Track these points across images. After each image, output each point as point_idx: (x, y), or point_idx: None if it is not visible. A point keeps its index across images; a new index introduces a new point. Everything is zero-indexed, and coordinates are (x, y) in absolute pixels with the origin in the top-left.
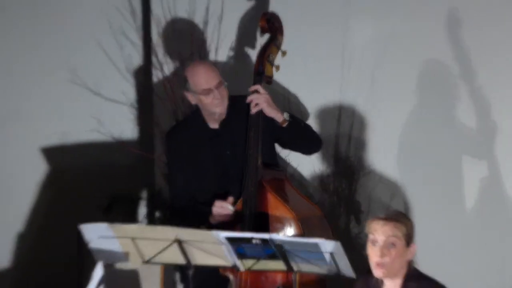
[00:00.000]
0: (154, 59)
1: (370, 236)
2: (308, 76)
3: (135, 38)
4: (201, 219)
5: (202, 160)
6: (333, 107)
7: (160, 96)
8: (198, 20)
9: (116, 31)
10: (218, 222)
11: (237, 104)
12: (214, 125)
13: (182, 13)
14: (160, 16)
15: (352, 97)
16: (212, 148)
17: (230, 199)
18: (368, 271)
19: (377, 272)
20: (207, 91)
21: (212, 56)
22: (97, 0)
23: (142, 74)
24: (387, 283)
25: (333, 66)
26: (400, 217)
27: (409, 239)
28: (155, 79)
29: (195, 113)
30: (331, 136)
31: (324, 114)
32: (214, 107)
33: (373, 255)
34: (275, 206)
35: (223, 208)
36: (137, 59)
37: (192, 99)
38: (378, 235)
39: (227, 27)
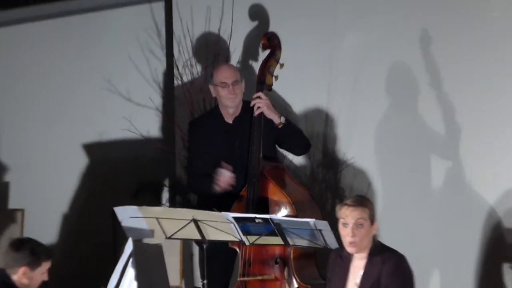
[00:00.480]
0: (175, 71)
1: (341, 220)
2: (301, 83)
3: (160, 54)
4: (210, 188)
5: (216, 147)
6: (321, 109)
7: (180, 101)
8: (211, 39)
9: (144, 48)
10: (221, 189)
11: (248, 107)
12: (228, 120)
13: (198, 34)
14: (180, 36)
15: (337, 100)
16: (225, 138)
17: (230, 167)
18: (340, 246)
19: (350, 249)
20: (224, 84)
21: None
22: (129, 23)
23: (165, 84)
24: (356, 255)
25: (321, 74)
26: (364, 202)
27: (372, 218)
28: (176, 87)
29: (215, 109)
30: (320, 134)
31: (314, 115)
32: (227, 100)
33: (345, 235)
34: (273, 192)
35: (225, 176)
36: (161, 71)
37: (213, 91)
38: (349, 219)
39: (235, 44)
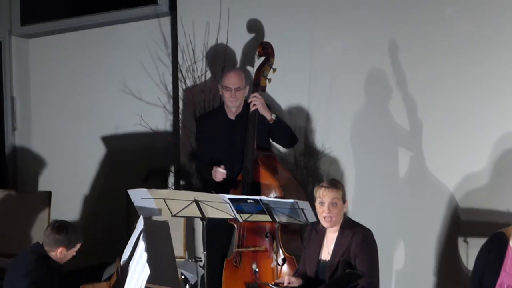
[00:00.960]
0: (179, 75)
1: (319, 200)
2: (285, 85)
3: (166, 61)
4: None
5: (220, 140)
6: (303, 107)
7: (183, 101)
8: (210, 49)
9: (154, 56)
10: (217, 180)
11: (249, 106)
12: (231, 116)
13: (199, 44)
14: (184, 46)
15: (317, 98)
16: (228, 132)
17: (222, 166)
18: (318, 221)
19: (325, 224)
20: (228, 88)
21: (220, 73)
22: (141, 35)
23: (172, 86)
24: (329, 229)
25: (302, 78)
26: (338, 184)
27: (344, 198)
28: (180, 89)
29: (220, 106)
30: (301, 127)
31: (297, 112)
32: (228, 102)
33: (322, 212)
34: (265, 177)
35: (218, 172)
36: (168, 75)
37: (220, 90)
38: (325, 198)
39: (232, 52)
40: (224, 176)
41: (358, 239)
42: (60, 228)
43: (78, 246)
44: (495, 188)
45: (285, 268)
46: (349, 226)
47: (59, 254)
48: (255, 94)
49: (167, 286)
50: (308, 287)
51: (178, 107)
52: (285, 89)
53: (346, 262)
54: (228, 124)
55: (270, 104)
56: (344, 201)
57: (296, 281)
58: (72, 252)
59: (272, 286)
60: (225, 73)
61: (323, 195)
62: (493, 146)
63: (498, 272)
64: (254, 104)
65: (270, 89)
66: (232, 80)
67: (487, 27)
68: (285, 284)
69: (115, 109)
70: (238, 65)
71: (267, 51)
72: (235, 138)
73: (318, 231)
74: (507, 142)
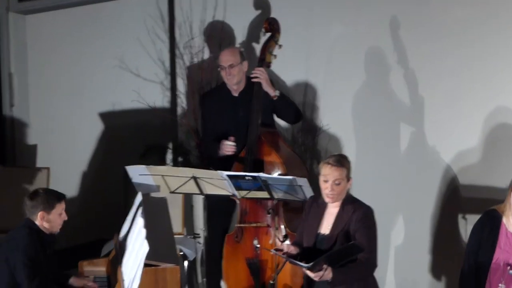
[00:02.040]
0: (176, 52)
1: (322, 177)
2: (283, 62)
3: (163, 37)
4: (215, 153)
5: (224, 116)
6: (301, 84)
7: (180, 77)
8: (206, 24)
9: (151, 32)
10: (226, 154)
11: (252, 82)
12: (234, 93)
13: (196, 20)
14: (181, 22)
15: (314, 76)
16: (232, 109)
17: (231, 138)
18: (319, 194)
19: (327, 200)
20: (221, 67)
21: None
22: (137, 10)
23: (169, 62)
24: (331, 204)
25: (299, 53)
26: (344, 162)
27: (348, 176)
28: (177, 66)
29: (223, 83)
30: (299, 104)
31: (295, 88)
32: (226, 80)
33: (325, 188)
34: (268, 153)
35: (227, 146)
36: (165, 52)
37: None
38: (329, 177)
39: (230, 28)
40: (234, 149)
41: (359, 215)
42: (34, 194)
43: (59, 207)
44: (495, 165)
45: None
46: (350, 202)
47: (41, 219)
48: (259, 68)
49: (166, 262)
50: (305, 257)
51: (176, 83)
52: (282, 66)
53: (345, 237)
54: (232, 101)
55: (274, 81)
56: (348, 179)
57: (294, 250)
58: (57, 215)
59: (274, 251)
60: (220, 52)
61: (327, 173)
62: (493, 123)
63: (492, 249)
64: (257, 77)
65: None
66: (224, 58)
67: (483, 10)
68: (285, 251)
69: (113, 86)
70: (237, 41)
71: (273, 27)
72: (239, 115)
73: (319, 204)
74: (508, 118)
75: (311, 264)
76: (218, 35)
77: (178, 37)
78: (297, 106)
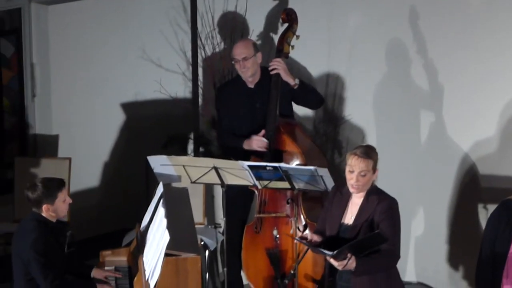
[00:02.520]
0: (199, 42)
1: (348, 167)
2: (305, 52)
3: (186, 27)
4: (237, 146)
5: (240, 109)
6: (322, 74)
7: (202, 67)
8: (229, 15)
9: (173, 23)
10: (250, 149)
11: (267, 73)
12: (250, 85)
13: (218, 11)
14: (203, 13)
15: (336, 67)
16: (248, 101)
17: (263, 131)
18: (343, 183)
19: (352, 190)
20: (235, 60)
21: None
22: (159, 1)
23: (190, 52)
24: (355, 194)
25: (321, 44)
26: (371, 154)
27: (374, 168)
28: (199, 56)
29: (239, 76)
30: (321, 93)
31: (317, 79)
32: (240, 73)
33: (350, 179)
34: (287, 144)
35: (261, 141)
36: (187, 42)
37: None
38: (355, 168)
39: (249, 18)
40: (266, 145)
41: (384, 207)
42: (34, 186)
43: (61, 195)
44: None
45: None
46: (375, 193)
47: (47, 211)
48: (277, 59)
49: (187, 252)
50: (328, 246)
51: (197, 74)
52: (304, 57)
53: (369, 227)
54: (248, 92)
55: (295, 69)
56: (374, 171)
57: (318, 238)
58: (61, 202)
59: (298, 239)
60: (233, 47)
61: (354, 164)
62: (511, 113)
63: (510, 239)
64: (275, 68)
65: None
66: (237, 51)
67: (504, 1)
68: (309, 239)
69: (135, 76)
70: (259, 32)
71: (291, 18)
72: (255, 107)
73: (342, 193)
74: None
75: (335, 252)
76: (239, 25)
77: (200, 27)
78: (317, 91)
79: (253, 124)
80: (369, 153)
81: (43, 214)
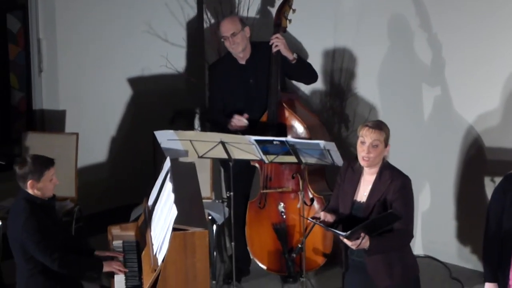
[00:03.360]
0: (204, 16)
1: (360, 138)
2: (312, 26)
3: (191, 1)
4: (223, 125)
5: (233, 85)
6: (329, 48)
7: (208, 42)
8: None
9: None
10: (233, 129)
11: (259, 48)
12: (241, 61)
13: None
14: None
15: (342, 40)
16: (240, 77)
17: (246, 115)
18: (354, 158)
19: (363, 163)
20: (224, 38)
21: (244, 14)
22: None
23: (196, 27)
24: (367, 170)
25: (328, 19)
26: (382, 126)
27: (387, 141)
28: (205, 30)
29: (229, 53)
30: (327, 68)
31: (323, 53)
32: (231, 49)
33: (361, 151)
34: (290, 118)
35: (239, 121)
36: (192, 16)
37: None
38: (367, 138)
39: None
40: (244, 127)
41: (397, 185)
42: (23, 161)
43: (48, 174)
44: None
45: (315, 207)
46: (387, 171)
47: (32, 187)
48: (277, 35)
49: (194, 226)
50: (341, 224)
51: (203, 48)
52: (310, 30)
53: (383, 206)
54: (240, 68)
55: (292, 44)
56: (386, 144)
57: (331, 218)
58: (47, 181)
59: (311, 219)
60: (220, 24)
61: (365, 135)
62: None
63: None
64: (276, 45)
65: (295, 29)
66: (224, 28)
67: None
68: (322, 219)
69: (141, 51)
70: (262, 5)
71: None
72: (249, 83)
73: (354, 170)
74: None
75: (348, 232)
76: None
77: (206, 1)
78: (312, 66)
79: (247, 100)
80: (380, 125)
81: (29, 191)
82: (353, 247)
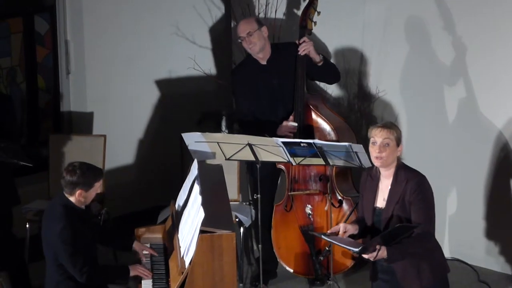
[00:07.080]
0: (232, 18)
1: (371, 139)
2: (340, 28)
3: (219, 3)
4: (267, 132)
5: (257, 87)
6: (357, 49)
7: (236, 44)
8: None
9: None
10: (284, 135)
11: (280, 48)
12: (263, 62)
13: None
14: None
15: (370, 42)
16: (263, 79)
17: (291, 117)
18: (372, 167)
19: (376, 163)
20: (241, 38)
21: (272, 15)
22: None
23: (224, 29)
24: (383, 172)
25: (356, 19)
26: (392, 126)
27: (398, 141)
28: (232, 32)
29: (249, 55)
30: (355, 70)
31: (351, 54)
32: (249, 50)
33: (373, 151)
34: (317, 120)
35: (286, 126)
36: (220, 18)
37: None
38: (377, 137)
39: None
40: (294, 130)
41: (413, 186)
42: (74, 169)
43: (97, 185)
44: None
45: (344, 208)
46: (403, 172)
47: (78, 196)
48: (305, 38)
49: (222, 229)
50: (366, 234)
51: (231, 50)
52: (338, 31)
53: (402, 209)
54: (262, 70)
55: (317, 45)
56: (398, 144)
57: (352, 229)
58: (94, 191)
59: (325, 237)
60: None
61: (375, 134)
62: None
63: None
64: (305, 50)
65: (322, 31)
66: (239, 29)
67: None
68: (341, 232)
69: (168, 53)
70: (288, 7)
71: None
72: (272, 83)
73: (373, 177)
74: None
75: (359, 249)
76: (274, 2)
77: (233, 3)
78: (336, 67)
79: (272, 101)
80: (390, 125)
81: (72, 199)
82: (371, 259)
